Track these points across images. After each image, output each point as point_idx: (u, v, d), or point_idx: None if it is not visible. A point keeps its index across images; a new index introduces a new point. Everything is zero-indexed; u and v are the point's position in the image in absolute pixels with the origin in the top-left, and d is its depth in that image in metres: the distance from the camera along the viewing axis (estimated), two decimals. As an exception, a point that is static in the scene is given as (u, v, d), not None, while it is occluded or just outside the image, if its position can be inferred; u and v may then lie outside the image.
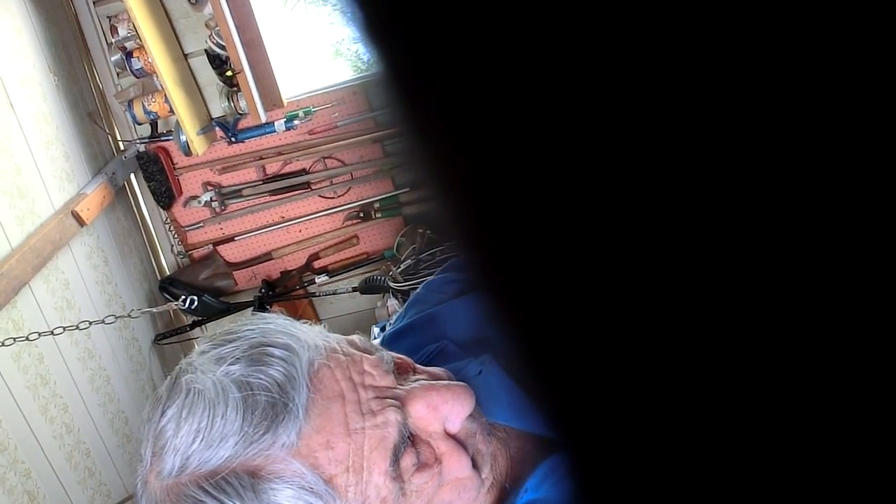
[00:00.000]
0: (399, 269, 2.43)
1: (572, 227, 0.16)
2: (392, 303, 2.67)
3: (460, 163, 0.18)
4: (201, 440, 0.47)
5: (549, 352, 0.18)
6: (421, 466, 0.52)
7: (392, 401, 0.52)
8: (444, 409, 0.53)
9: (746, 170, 0.14)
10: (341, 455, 0.49)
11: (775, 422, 0.16)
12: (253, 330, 0.52)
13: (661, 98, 0.14)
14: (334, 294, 2.76)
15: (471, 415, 0.55)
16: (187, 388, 0.49)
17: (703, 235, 0.15)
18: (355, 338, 0.57)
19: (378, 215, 2.86)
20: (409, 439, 0.52)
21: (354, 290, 2.64)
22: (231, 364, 0.49)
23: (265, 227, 2.88)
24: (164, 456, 0.48)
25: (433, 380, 0.56)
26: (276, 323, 0.54)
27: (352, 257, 2.93)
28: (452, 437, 0.54)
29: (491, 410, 0.58)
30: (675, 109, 0.14)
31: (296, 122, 2.62)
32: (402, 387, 0.54)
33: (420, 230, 2.58)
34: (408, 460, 0.52)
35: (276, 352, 0.50)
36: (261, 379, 0.48)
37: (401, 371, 0.56)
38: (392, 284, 2.42)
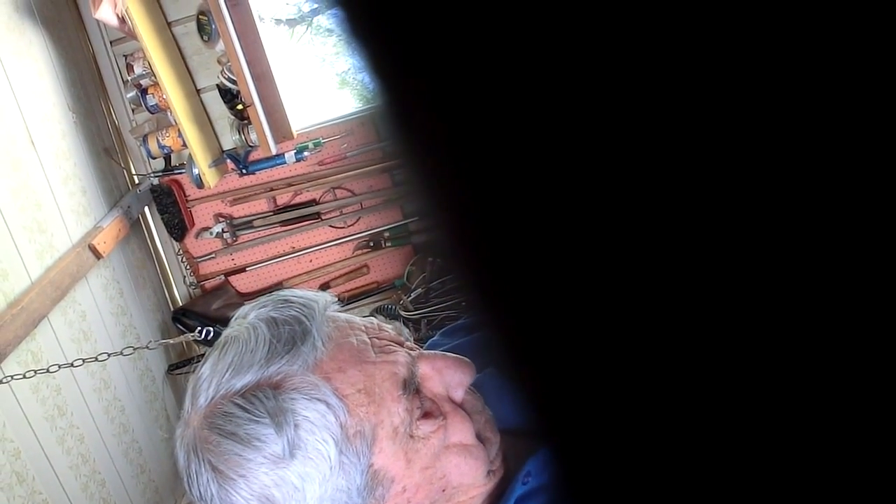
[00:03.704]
0: (410, 298, 2.45)
1: (567, 239, 0.17)
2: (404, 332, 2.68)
3: (454, 183, 0.18)
4: (232, 370, 0.55)
5: (544, 362, 0.19)
6: (426, 413, 0.58)
7: (404, 347, 0.60)
8: (447, 373, 0.60)
9: (744, 170, 0.14)
10: (353, 378, 0.56)
11: (766, 420, 0.16)
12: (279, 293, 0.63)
13: (657, 110, 0.14)
14: (345, 322, 2.76)
15: (478, 399, 0.62)
16: (223, 340, 0.58)
17: (697, 239, 0.15)
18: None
19: (388, 244, 2.89)
20: (415, 389, 0.58)
21: (365, 318, 2.65)
22: (260, 308, 0.60)
23: (276, 257, 2.91)
24: (200, 393, 0.56)
25: None
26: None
27: (362, 286, 2.95)
28: (458, 405, 0.60)
29: (496, 416, 0.63)
30: (670, 117, 0.14)
31: (306, 153, 2.66)
32: (412, 351, 0.62)
33: (430, 259, 2.61)
34: (413, 403, 0.57)
35: (298, 299, 0.60)
36: (284, 315, 0.58)
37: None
38: (403, 313, 2.44)
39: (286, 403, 0.54)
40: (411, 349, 0.61)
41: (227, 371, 0.55)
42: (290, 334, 0.56)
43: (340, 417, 0.55)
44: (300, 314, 0.58)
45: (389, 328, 0.62)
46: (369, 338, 0.59)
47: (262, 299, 0.61)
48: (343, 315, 0.61)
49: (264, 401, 0.54)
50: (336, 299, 0.63)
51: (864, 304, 0.14)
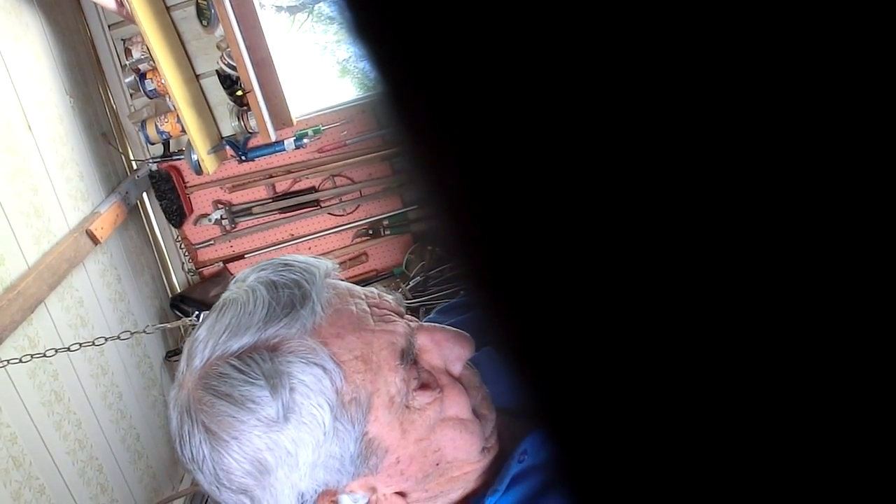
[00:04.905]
0: (408, 286, 2.45)
1: (566, 233, 0.17)
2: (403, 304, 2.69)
3: (452, 173, 0.18)
4: (229, 332, 0.54)
5: (544, 352, 0.19)
6: (423, 385, 0.57)
7: (403, 318, 0.59)
8: (446, 346, 0.59)
9: (744, 170, 0.14)
10: (351, 345, 0.55)
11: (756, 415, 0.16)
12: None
13: (656, 112, 0.14)
14: (343, 310, 2.77)
15: (475, 375, 0.61)
16: (222, 303, 0.57)
17: (696, 238, 0.15)
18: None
19: (387, 232, 2.89)
20: (413, 360, 0.58)
21: (363, 306, 2.65)
22: (261, 271, 0.59)
23: (275, 244, 2.91)
24: (195, 354, 0.55)
25: None
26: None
27: (361, 274, 2.95)
28: (455, 379, 0.60)
29: (493, 394, 0.62)
30: (669, 117, 0.14)
31: (305, 140, 2.66)
32: (411, 322, 0.61)
33: (429, 247, 2.61)
34: (410, 373, 0.57)
35: (299, 264, 0.59)
36: (285, 278, 0.57)
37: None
38: (401, 301, 2.44)
39: (282, 366, 0.53)
40: (410, 321, 0.61)
41: (224, 332, 0.55)
42: (290, 298, 0.56)
43: (336, 383, 0.54)
44: (301, 278, 0.57)
45: (390, 298, 0.62)
46: (369, 306, 0.59)
47: (263, 263, 0.60)
48: (344, 283, 0.61)
49: (260, 363, 0.53)
50: (338, 266, 0.63)
51: (862, 305, 0.14)
